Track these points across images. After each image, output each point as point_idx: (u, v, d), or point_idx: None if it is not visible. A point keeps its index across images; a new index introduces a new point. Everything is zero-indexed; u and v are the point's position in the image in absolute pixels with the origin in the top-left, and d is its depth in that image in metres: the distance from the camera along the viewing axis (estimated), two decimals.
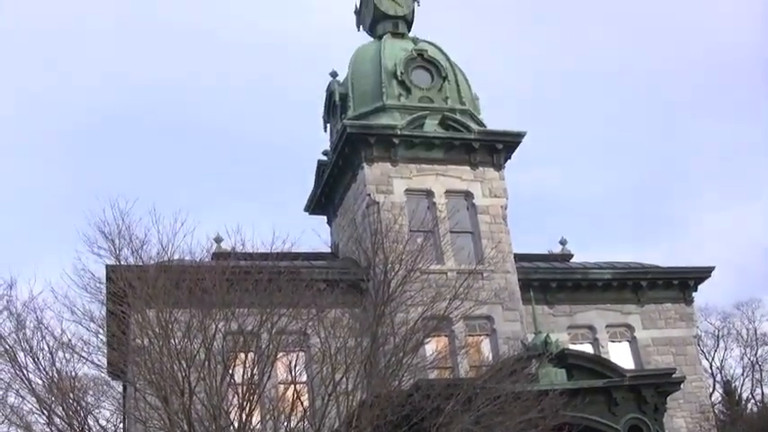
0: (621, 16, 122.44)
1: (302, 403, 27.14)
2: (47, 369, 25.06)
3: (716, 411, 62.17)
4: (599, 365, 33.45)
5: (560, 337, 36.40)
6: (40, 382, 25.12)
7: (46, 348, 25.27)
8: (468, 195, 38.42)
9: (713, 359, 76.79)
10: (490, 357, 35.16)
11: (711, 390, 69.24)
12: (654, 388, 32.81)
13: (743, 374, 77.40)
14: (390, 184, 37.34)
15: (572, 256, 44.13)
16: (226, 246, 31.05)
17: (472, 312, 32.03)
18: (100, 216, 26.39)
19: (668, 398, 33.59)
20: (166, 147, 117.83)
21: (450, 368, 34.01)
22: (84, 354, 25.84)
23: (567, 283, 39.46)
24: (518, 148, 39.77)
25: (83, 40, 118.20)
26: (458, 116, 39.68)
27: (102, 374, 28.39)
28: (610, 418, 31.43)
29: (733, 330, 77.67)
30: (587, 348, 38.42)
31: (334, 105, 42.28)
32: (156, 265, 25.92)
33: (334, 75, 42.92)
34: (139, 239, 26.42)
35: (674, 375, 33.79)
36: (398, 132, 37.84)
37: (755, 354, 77.36)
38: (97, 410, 27.37)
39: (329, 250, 40.74)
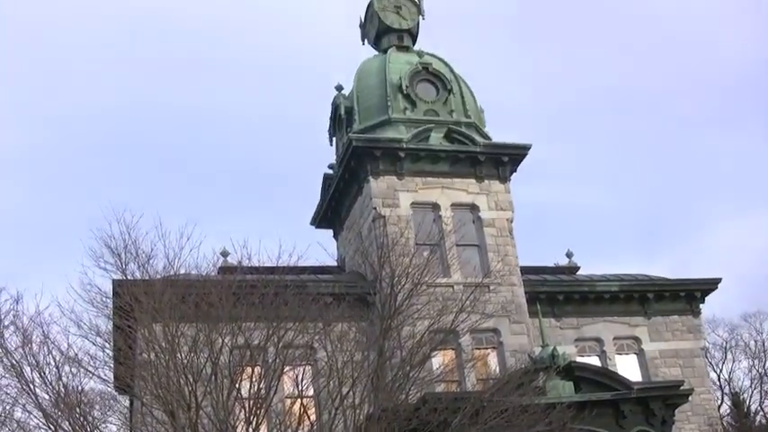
0: (629, 31, 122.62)
1: (309, 417, 27.11)
2: (53, 384, 25.03)
3: (724, 424, 61.98)
4: (606, 378, 33.37)
5: (567, 349, 36.34)
6: (46, 396, 25.10)
7: (52, 363, 25.26)
8: (473, 208, 38.38)
9: (721, 371, 76.57)
10: (497, 370, 35.06)
11: (720, 402, 68.97)
12: (662, 400, 32.74)
13: (751, 386, 77.15)
14: (396, 198, 37.31)
15: (579, 268, 44.07)
16: (232, 260, 31.02)
17: (479, 325, 32.05)
18: (106, 230, 26.45)
19: (676, 410, 33.55)
20: (172, 161, 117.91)
21: (457, 381, 33.94)
22: (90, 368, 25.84)
23: (574, 296, 39.37)
24: (524, 161, 39.75)
25: (90, 56, 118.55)
26: (463, 129, 39.66)
27: (109, 389, 28.42)
28: (617, 431, 31.38)
29: (741, 342, 77.47)
30: (595, 361, 38.28)
31: (340, 119, 42.31)
32: (163, 280, 25.92)
33: (339, 88, 42.94)
34: (146, 254, 26.47)
35: (681, 388, 33.70)
36: (404, 146, 37.83)
37: (764, 366, 77.14)
38: (104, 425, 27.45)
39: (335, 264, 40.69)
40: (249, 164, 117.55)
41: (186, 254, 26.69)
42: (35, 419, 25.50)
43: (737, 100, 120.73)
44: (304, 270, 30.59)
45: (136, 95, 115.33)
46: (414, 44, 45.15)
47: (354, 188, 39.36)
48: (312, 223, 44.55)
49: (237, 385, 25.17)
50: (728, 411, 73.61)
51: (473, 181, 38.89)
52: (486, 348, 35.85)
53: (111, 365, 26.65)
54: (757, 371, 77.02)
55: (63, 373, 25.32)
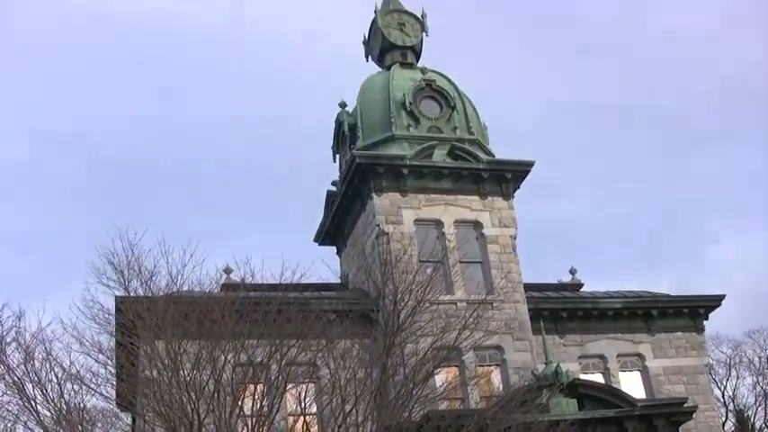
0: (631, 48, 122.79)
1: None
2: (55, 401, 25.04)
3: None
4: (610, 395, 33.33)
5: (571, 366, 36.24)
6: (48, 413, 25.11)
7: (54, 380, 25.28)
8: (477, 225, 38.33)
9: (725, 388, 76.40)
10: (500, 388, 34.99)
11: (724, 419, 68.86)
12: (665, 418, 32.68)
13: (755, 403, 76.98)
14: (400, 215, 37.27)
15: (582, 285, 43.99)
16: (235, 277, 31.02)
17: (482, 342, 32.01)
18: (109, 247, 26.48)
19: (680, 428, 33.49)
20: (175, 177, 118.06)
21: (461, 399, 33.86)
22: (92, 385, 25.86)
23: (578, 313, 39.25)
24: (527, 178, 39.72)
25: (93, 69, 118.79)
26: (466, 146, 39.63)
27: (111, 406, 28.38)
28: None
29: (745, 359, 77.31)
30: (598, 378, 38.18)
31: (344, 136, 42.32)
32: (166, 297, 25.94)
33: (343, 105, 42.96)
34: (148, 271, 26.49)
35: (685, 405, 33.64)
36: (407, 162, 37.80)
37: None
38: None
39: (339, 281, 40.66)
40: (252, 180, 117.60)
41: (189, 271, 26.75)
42: None
43: (738, 117, 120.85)
44: (307, 287, 30.54)
45: (139, 110, 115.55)
46: (417, 61, 45.21)
47: (358, 205, 39.34)
48: (315, 240, 44.53)
49: (240, 403, 25.15)
50: (733, 428, 73.51)
51: (476, 198, 38.84)
52: (490, 365, 35.76)
53: (114, 383, 26.64)
54: (761, 387, 76.89)
55: (65, 391, 25.36)
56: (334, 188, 42.61)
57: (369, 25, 46.56)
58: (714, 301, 41.74)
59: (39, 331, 25.95)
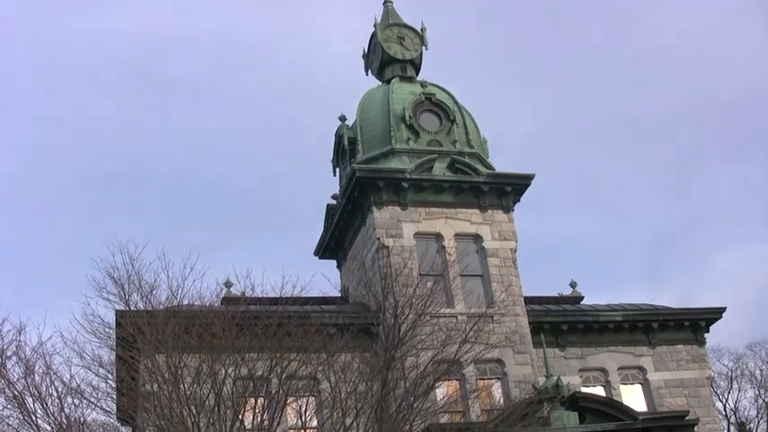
0: (631, 61, 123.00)
1: None
2: (55, 415, 24.99)
3: None
4: (611, 408, 33.28)
5: (572, 379, 36.26)
6: (48, 428, 25.05)
7: (55, 394, 25.24)
8: (477, 238, 38.34)
9: (727, 401, 76.31)
10: (501, 401, 34.96)
11: None
12: (667, 431, 32.62)
13: (757, 416, 76.84)
14: (400, 228, 37.28)
15: (582, 298, 43.96)
16: (235, 291, 31.02)
17: (483, 356, 32.03)
18: (109, 261, 26.49)
19: None
20: (175, 191, 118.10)
21: (462, 412, 33.82)
22: (93, 399, 25.84)
23: (578, 326, 39.20)
24: (527, 191, 39.74)
25: (93, 83, 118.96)
26: (466, 159, 39.65)
27: (112, 420, 28.39)
28: None
29: (746, 371, 77.23)
30: (599, 391, 38.11)
31: (343, 149, 42.35)
32: (166, 311, 25.93)
33: (342, 119, 43.00)
34: (149, 284, 26.50)
35: (687, 418, 33.58)
36: (407, 176, 37.82)
37: None
38: None
39: (339, 294, 40.64)
40: (252, 195, 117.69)
41: (189, 284, 26.77)
42: None
43: (738, 129, 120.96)
44: (307, 301, 30.55)
45: (138, 124, 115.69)
46: (417, 74, 45.31)
47: (358, 219, 39.36)
48: (315, 254, 44.53)
49: (241, 416, 25.11)
50: None
51: (476, 211, 38.86)
52: (491, 379, 35.72)
53: (114, 397, 26.60)
54: (763, 400, 76.76)
55: (65, 405, 25.32)
56: (334, 202, 42.64)
57: (368, 39, 46.67)
58: (715, 314, 41.72)
59: (39, 345, 25.96)
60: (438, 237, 37.81)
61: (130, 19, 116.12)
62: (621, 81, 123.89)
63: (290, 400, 26.95)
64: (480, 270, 37.80)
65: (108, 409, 26.47)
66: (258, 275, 28.30)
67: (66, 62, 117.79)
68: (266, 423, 25.36)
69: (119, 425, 29.23)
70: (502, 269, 37.83)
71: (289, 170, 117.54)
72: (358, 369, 28.13)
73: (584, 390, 36.52)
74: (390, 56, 45.10)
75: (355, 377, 27.39)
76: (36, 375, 25.39)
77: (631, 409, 33.62)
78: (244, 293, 28.42)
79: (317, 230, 44.01)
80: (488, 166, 40.83)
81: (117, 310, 27.01)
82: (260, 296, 28.39)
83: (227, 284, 32.72)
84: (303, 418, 26.88)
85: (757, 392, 76.99)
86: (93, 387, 25.97)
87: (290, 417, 28.07)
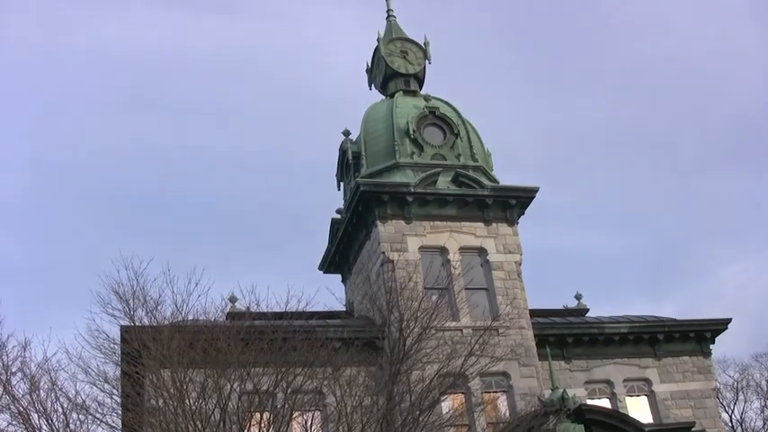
0: (634, 74, 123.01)
1: None
2: (61, 431, 24.98)
3: None
4: (617, 420, 33.25)
5: (577, 392, 36.19)
6: None
7: (60, 410, 25.26)
8: (482, 252, 38.33)
9: (733, 412, 75.94)
10: (507, 414, 34.90)
11: None
12: None
13: (764, 427, 76.38)
14: (404, 242, 37.30)
15: (588, 310, 43.92)
16: (240, 305, 31.05)
17: (488, 369, 31.99)
18: (114, 277, 26.53)
19: None
20: (181, 206, 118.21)
21: (467, 425, 33.80)
22: (98, 415, 25.84)
23: (584, 338, 39.16)
24: (531, 204, 39.76)
25: (98, 103, 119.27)
26: (470, 173, 39.68)
27: None
28: None
29: (752, 382, 76.90)
30: (605, 403, 38.03)
31: (348, 164, 42.41)
32: (171, 326, 25.97)
33: (347, 133, 43.07)
34: (154, 300, 26.56)
35: (693, 429, 33.60)
36: (412, 190, 37.85)
37: None
38: None
39: (344, 309, 40.52)
40: (257, 209, 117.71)
41: (194, 300, 26.84)
42: None
43: (741, 141, 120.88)
44: (312, 315, 30.55)
45: (144, 142, 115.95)
46: (420, 88, 45.40)
47: (362, 233, 39.39)
48: (320, 268, 44.53)
49: (246, 431, 25.09)
50: None
51: (481, 224, 38.89)
52: (496, 392, 35.67)
53: (119, 412, 26.61)
54: None
55: (71, 421, 25.33)
56: (338, 216, 42.64)
57: (372, 53, 46.78)
58: (720, 325, 41.64)
59: (44, 361, 26.02)
60: (443, 250, 37.82)
61: (131, 38, 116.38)
62: (626, 93, 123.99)
63: (296, 414, 26.98)
64: (485, 283, 37.80)
65: (113, 424, 26.45)
66: (263, 290, 28.39)
67: (67, 80, 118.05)
68: None
69: None
70: (507, 282, 37.82)
71: (293, 185, 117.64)
72: (363, 383, 28.14)
73: (589, 402, 36.44)
74: (394, 70, 45.21)
75: (361, 391, 27.40)
76: (41, 391, 25.43)
77: (637, 421, 33.58)
78: (249, 308, 28.47)
79: (321, 245, 44.08)
80: (492, 180, 40.87)
81: (122, 326, 27.05)
82: (265, 311, 28.44)
83: (232, 299, 32.76)
84: None
85: (763, 403, 76.67)
86: (99, 403, 26.01)
87: (296, 431, 28.06)
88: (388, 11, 48.17)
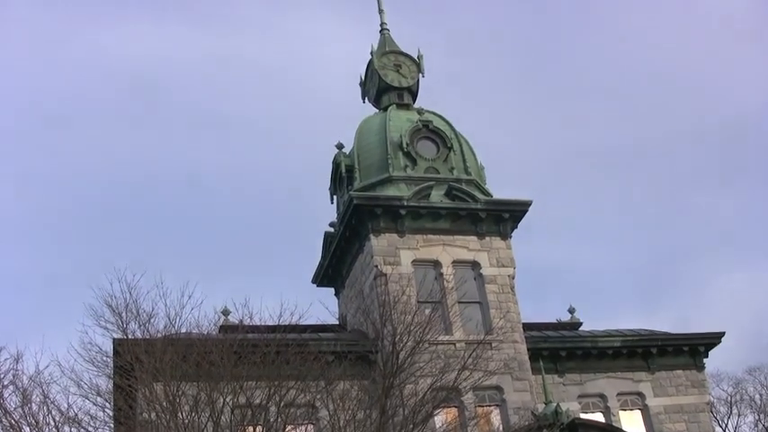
0: (627, 87, 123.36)
1: None
2: None
3: None
4: None
5: (571, 406, 36.14)
6: None
7: (52, 423, 25.18)
8: (475, 265, 38.33)
9: (726, 426, 75.97)
10: (500, 428, 34.84)
11: None
12: None
13: None
14: (397, 256, 37.29)
15: (581, 324, 43.89)
16: (233, 319, 31.03)
17: (481, 383, 31.94)
18: (107, 289, 26.49)
19: None
20: (173, 219, 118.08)
21: None
22: (90, 428, 25.81)
23: (577, 352, 39.15)
24: (525, 218, 39.78)
25: (91, 114, 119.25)
26: (464, 186, 39.70)
27: None
28: None
29: (746, 396, 76.93)
30: (598, 417, 38.03)
31: (341, 177, 42.41)
32: (164, 339, 25.94)
33: (340, 146, 43.06)
34: (147, 313, 26.54)
35: None
36: (405, 203, 37.86)
37: None
38: None
39: (337, 322, 40.55)
40: (250, 222, 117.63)
41: (187, 313, 26.80)
42: None
43: (735, 155, 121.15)
44: (305, 329, 30.55)
45: (137, 154, 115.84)
46: (414, 102, 45.43)
47: (355, 246, 39.38)
48: (313, 281, 44.50)
49: None
50: None
51: (474, 238, 38.90)
52: (489, 406, 35.63)
53: (112, 425, 26.57)
54: (763, 425, 76.39)
55: None
56: (331, 229, 42.63)
57: (365, 67, 46.83)
58: (714, 339, 41.64)
59: (36, 374, 25.94)
60: (436, 264, 37.81)
61: (128, 46, 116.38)
62: (619, 106, 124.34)
63: (289, 428, 26.92)
64: (478, 297, 37.78)
65: None
66: (256, 303, 28.33)
67: (62, 89, 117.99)
68: None
69: None
70: (500, 296, 37.81)
71: (286, 198, 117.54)
72: (356, 397, 28.10)
73: (583, 416, 36.45)
74: (387, 83, 45.24)
75: (354, 405, 27.36)
76: (33, 404, 25.36)
77: None
78: (242, 321, 28.44)
79: (314, 258, 44.04)
80: (486, 193, 40.89)
81: (115, 339, 27.01)
82: (258, 324, 28.39)
83: (225, 312, 32.74)
84: None
85: (757, 417, 76.66)
86: (91, 416, 25.95)
87: None
88: (382, 24, 48.27)
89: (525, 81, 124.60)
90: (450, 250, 38.25)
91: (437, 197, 39.00)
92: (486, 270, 38.19)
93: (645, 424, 39.24)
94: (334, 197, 44.13)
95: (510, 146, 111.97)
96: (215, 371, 25.17)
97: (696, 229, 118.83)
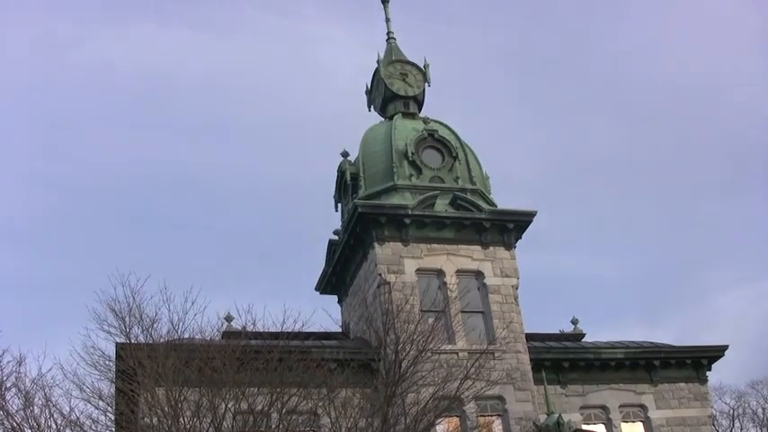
0: (633, 99, 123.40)
1: None
2: None
3: None
4: None
5: (573, 417, 36.07)
6: None
7: (54, 426, 25.19)
8: (479, 275, 38.29)
9: None
10: None
11: None
12: None
13: None
14: (401, 264, 37.27)
15: (584, 335, 43.85)
16: (236, 325, 31.04)
17: (484, 392, 31.93)
18: (111, 294, 26.53)
19: None
20: (177, 225, 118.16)
21: None
22: None
23: (580, 363, 39.09)
24: (529, 228, 39.77)
25: (95, 120, 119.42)
26: (468, 196, 39.69)
27: None
28: None
29: (748, 410, 76.78)
30: (600, 429, 37.98)
31: (346, 185, 42.40)
32: (167, 344, 25.95)
33: (345, 155, 43.07)
34: (150, 318, 26.56)
35: None
36: (409, 212, 37.85)
37: None
38: None
39: (340, 330, 40.58)
40: (254, 229, 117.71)
41: (190, 318, 26.82)
42: None
43: (740, 168, 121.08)
44: (308, 336, 30.53)
45: (142, 160, 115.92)
46: (420, 111, 45.44)
47: (359, 254, 39.37)
48: (317, 289, 44.48)
49: None
50: None
51: (478, 247, 38.86)
52: (491, 416, 35.58)
53: (113, 430, 26.57)
54: None
55: None
56: (336, 237, 42.63)
57: (371, 75, 46.87)
58: (717, 352, 41.56)
59: (39, 377, 25.96)
60: (440, 273, 37.78)
61: (132, 61, 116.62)
62: (624, 117, 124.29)
63: None
64: (482, 306, 37.75)
65: None
66: (259, 310, 28.35)
67: (68, 98, 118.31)
68: None
69: None
70: (503, 306, 37.77)
71: (291, 205, 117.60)
72: (358, 405, 28.08)
73: (585, 427, 36.36)
74: (393, 92, 45.28)
75: (356, 413, 27.35)
76: (35, 407, 25.38)
77: None
78: (245, 328, 28.45)
79: (318, 266, 44.04)
80: (490, 203, 40.88)
81: (117, 343, 27.04)
82: (261, 331, 28.42)
83: (228, 318, 32.75)
84: None
85: (759, 431, 76.57)
86: (93, 420, 25.97)
87: None
88: (389, 33, 48.33)
89: (531, 92, 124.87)
90: (454, 259, 38.23)
91: (442, 206, 38.99)
92: (490, 280, 38.16)
93: None
94: (339, 205, 44.14)
95: (515, 156, 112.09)
96: (217, 377, 25.18)
97: (700, 242, 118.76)
